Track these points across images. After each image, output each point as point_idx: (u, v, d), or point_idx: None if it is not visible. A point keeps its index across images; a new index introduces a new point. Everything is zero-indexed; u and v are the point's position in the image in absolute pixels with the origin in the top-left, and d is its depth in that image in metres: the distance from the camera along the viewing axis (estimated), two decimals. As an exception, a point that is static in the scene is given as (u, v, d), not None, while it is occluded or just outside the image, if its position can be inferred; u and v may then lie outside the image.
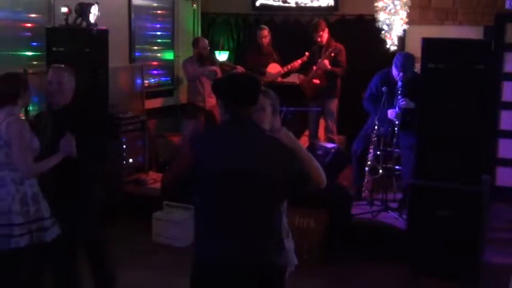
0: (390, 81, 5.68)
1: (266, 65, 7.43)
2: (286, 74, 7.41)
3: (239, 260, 2.58)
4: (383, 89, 5.64)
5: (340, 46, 6.88)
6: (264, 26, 7.57)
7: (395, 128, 5.61)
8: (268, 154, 2.64)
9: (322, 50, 6.93)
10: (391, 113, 5.62)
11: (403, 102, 5.55)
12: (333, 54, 6.80)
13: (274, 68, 7.41)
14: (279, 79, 7.42)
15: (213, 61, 7.55)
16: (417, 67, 5.81)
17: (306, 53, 7.10)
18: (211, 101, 7.42)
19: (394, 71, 5.66)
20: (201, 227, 2.69)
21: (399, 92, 5.57)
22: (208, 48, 7.47)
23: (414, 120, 5.36)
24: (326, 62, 6.78)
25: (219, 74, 7.45)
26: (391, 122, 5.66)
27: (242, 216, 2.59)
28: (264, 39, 7.45)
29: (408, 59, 5.65)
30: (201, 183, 2.63)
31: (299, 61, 7.17)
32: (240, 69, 7.42)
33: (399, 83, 5.58)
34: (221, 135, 2.71)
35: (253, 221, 2.61)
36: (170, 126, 7.97)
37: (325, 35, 6.93)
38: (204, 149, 2.66)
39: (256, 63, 7.40)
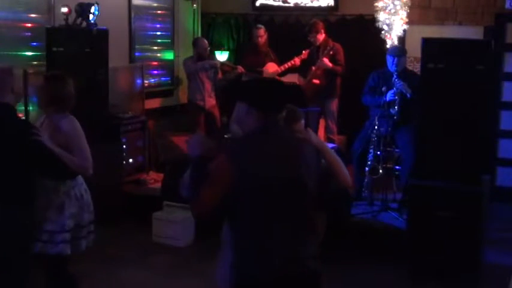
0: (386, 76, 5.77)
1: (263, 65, 7.42)
2: (283, 73, 7.40)
3: (293, 267, 2.55)
4: (383, 88, 5.67)
5: (337, 45, 6.87)
6: (260, 26, 7.57)
7: (395, 117, 5.67)
8: (305, 157, 2.65)
9: (320, 50, 6.92)
10: (389, 95, 5.65)
11: (400, 84, 5.60)
12: (331, 53, 6.80)
13: (271, 68, 7.40)
14: (278, 79, 7.40)
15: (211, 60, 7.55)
16: (417, 67, 5.83)
17: (304, 51, 7.09)
18: (210, 100, 7.43)
19: (389, 59, 5.77)
20: (247, 237, 2.57)
21: (395, 76, 5.66)
22: (208, 48, 7.47)
23: (411, 113, 5.46)
24: (326, 60, 6.77)
25: (219, 72, 7.47)
26: (390, 117, 5.67)
27: (291, 223, 2.57)
28: (260, 39, 7.45)
29: (400, 46, 6.11)
30: (245, 194, 2.52)
31: (297, 59, 7.15)
32: (240, 69, 7.43)
33: (394, 75, 5.67)
34: (261, 143, 2.60)
35: (301, 226, 2.60)
36: (170, 126, 7.97)
37: (320, 37, 6.92)
38: (248, 160, 2.54)
39: (253, 63, 7.40)
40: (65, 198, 3.68)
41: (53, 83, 3.77)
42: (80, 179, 3.80)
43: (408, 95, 5.60)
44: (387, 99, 5.65)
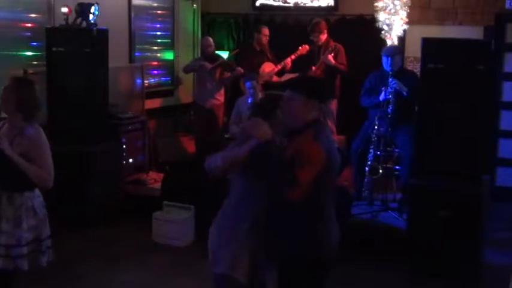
0: (383, 77, 5.76)
1: (260, 65, 7.40)
2: (281, 73, 7.37)
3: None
4: (382, 89, 5.66)
5: (339, 46, 6.85)
6: (264, 25, 7.58)
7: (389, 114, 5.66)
8: None
9: (321, 50, 6.90)
10: (383, 95, 5.65)
11: (394, 83, 5.59)
12: (332, 55, 6.77)
13: (267, 67, 7.38)
14: (276, 78, 7.38)
15: (216, 59, 7.51)
16: (417, 67, 5.82)
17: (300, 47, 7.07)
18: (212, 101, 7.41)
19: (384, 60, 5.77)
20: (322, 216, 2.98)
21: (391, 75, 5.65)
22: (212, 46, 7.47)
23: (409, 112, 5.46)
24: (330, 57, 6.73)
25: (220, 70, 7.47)
26: (387, 116, 5.67)
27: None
28: (265, 38, 7.44)
29: (394, 46, 6.23)
30: (325, 176, 2.86)
31: (292, 56, 7.14)
32: (239, 70, 7.39)
33: (390, 75, 5.66)
34: (327, 129, 3.00)
35: None
36: (170, 126, 7.97)
37: (323, 37, 6.90)
38: (328, 144, 2.90)
39: (250, 63, 7.36)
40: (23, 210, 3.44)
41: (22, 88, 3.51)
42: (37, 191, 3.54)
43: (404, 93, 5.59)
44: (380, 98, 5.65)
